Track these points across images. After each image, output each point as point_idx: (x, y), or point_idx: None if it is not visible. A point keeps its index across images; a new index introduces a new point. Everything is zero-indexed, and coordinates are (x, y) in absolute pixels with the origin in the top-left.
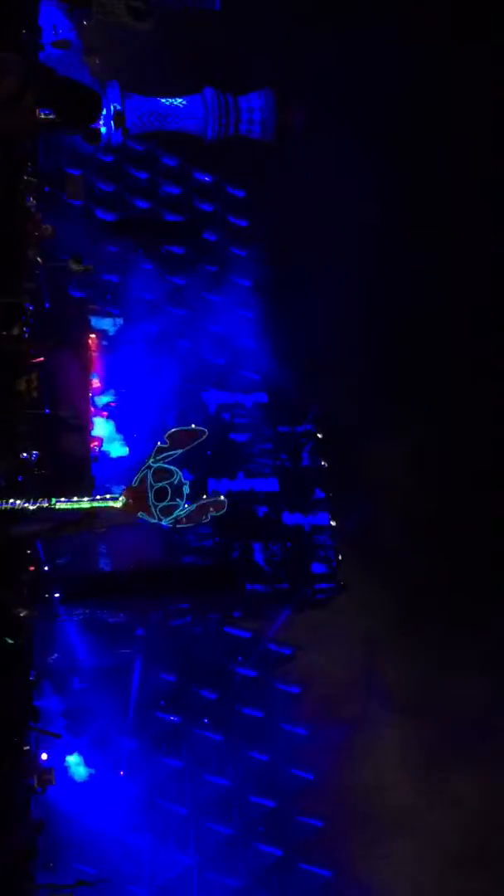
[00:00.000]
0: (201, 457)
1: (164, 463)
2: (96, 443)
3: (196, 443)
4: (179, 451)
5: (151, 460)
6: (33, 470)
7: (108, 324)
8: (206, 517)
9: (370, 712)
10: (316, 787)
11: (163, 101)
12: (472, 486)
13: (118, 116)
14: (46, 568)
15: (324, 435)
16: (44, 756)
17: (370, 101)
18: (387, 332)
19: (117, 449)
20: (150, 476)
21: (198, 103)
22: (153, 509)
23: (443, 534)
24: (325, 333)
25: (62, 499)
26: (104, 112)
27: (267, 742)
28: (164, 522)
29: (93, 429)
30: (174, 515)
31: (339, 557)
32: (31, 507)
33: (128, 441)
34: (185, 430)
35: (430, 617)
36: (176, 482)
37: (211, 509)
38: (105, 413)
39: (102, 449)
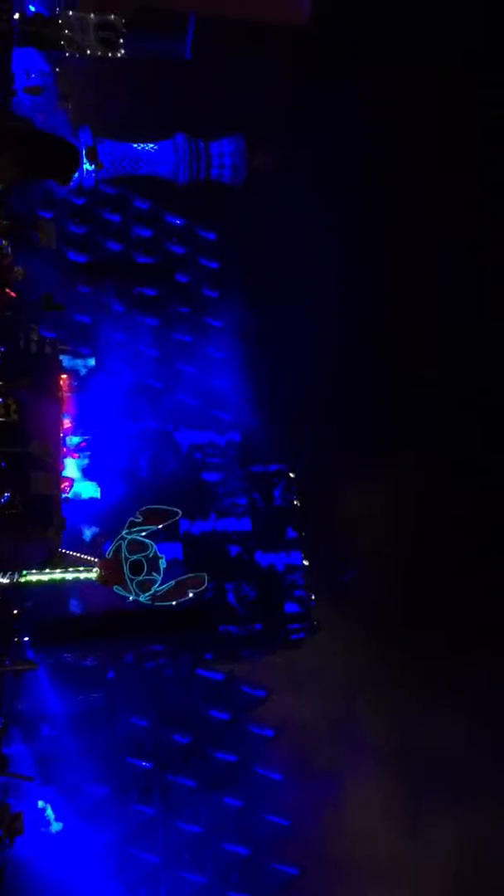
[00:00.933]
0: (174, 497)
1: (137, 535)
2: (67, 483)
3: (170, 522)
4: (152, 528)
5: (125, 532)
6: (3, 510)
7: (79, 364)
8: (188, 594)
9: (346, 756)
10: (291, 833)
11: (135, 145)
12: (450, 526)
13: (90, 151)
14: (15, 611)
15: (296, 475)
16: (11, 804)
17: (338, 146)
18: (360, 371)
19: (89, 490)
20: (124, 547)
21: (169, 148)
22: (129, 583)
23: (419, 574)
24: (297, 373)
25: (33, 571)
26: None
27: (241, 787)
28: (141, 598)
29: (64, 469)
30: (152, 591)
31: (313, 597)
32: (4, 580)
33: (100, 482)
34: (159, 510)
35: (408, 659)
36: (151, 555)
37: (190, 588)
38: (76, 454)
39: (74, 490)
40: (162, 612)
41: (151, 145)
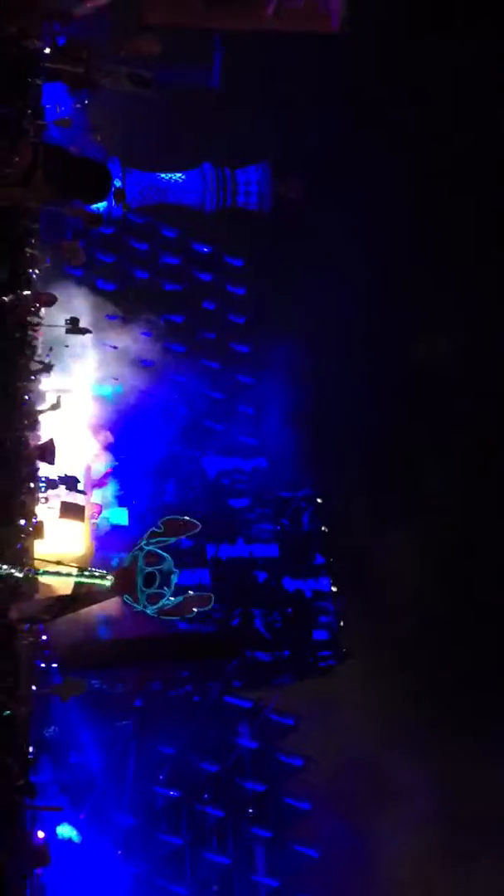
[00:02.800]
0: (201, 523)
1: (156, 547)
2: (96, 510)
3: (190, 533)
4: (172, 539)
5: (144, 542)
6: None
7: (107, 391)
8: (193, 612)
9: (377, 788)
10: (321, 864)
11: (162, 175)
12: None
13: (118, 193)
14: (44, 637)
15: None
16: (40, 834)
17: (363, 173)
18: (387, 392)
19: (117, 517)
20: (141, 559)
21: (196, 177)
22: (140, 594)
23: (454, 603)
24: (324, 399)
25: (49, 569)
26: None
27: (269, 817)
28: (148, 610)
29: (91, 496)
30: (159, 605)
31: (342, 624)
32: (18, 574)
33: (128, 508)
34: (180, 520)
35: (439, 688)
36: (165, 569)
37: (196, 605)
38: (104, 482)
39: (102, 516)
40: (190, 638)
41: (179, 175)
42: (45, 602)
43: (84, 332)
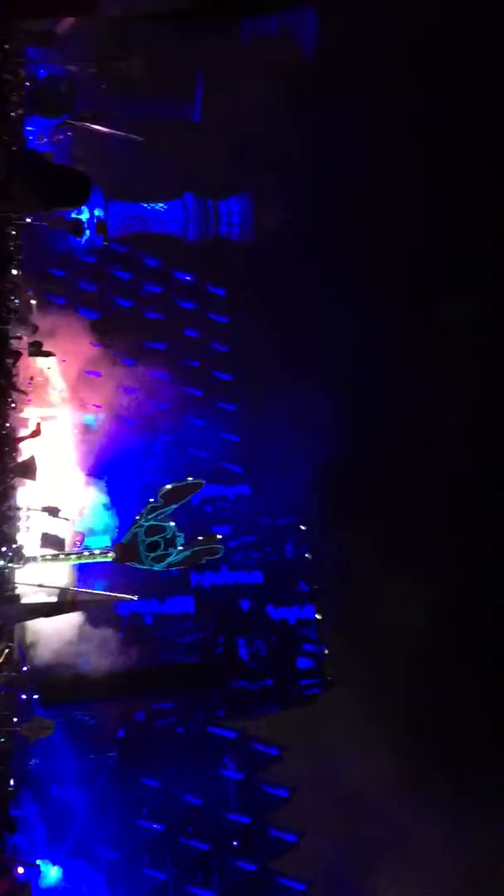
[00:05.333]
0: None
1: (156, 520)
2: (78, 538)
3: (192, 495)
4: (173, 507)
5: (143, 519)
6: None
7: (89, 419)
8: (202, 561)
9: (364, 818)
10: None
11: (145, 205)
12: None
13: (101, 225)
14: (25, 668)
15: (307, 527)
16: (20, 870)
17: (345, 204)
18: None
19: (99, 543)
20: (141, 534)
21: (178, 207)
22: (145, 559)
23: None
24: (307, 425)
25: (49, 554)
26: (90, 214)
27: (255, 850)
28: (155, 567)
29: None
30: (166, 562)
31: (326, 652)
32: (15, 566)
33: (110, 536)
34: (179, 486)
35: (427, 716)
36: (169, 535)
37: (205, 556)
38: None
39: (84, 545)
40: (173, 668)
41: (161, 204)
42: (27, 606)
43: (47, 354)
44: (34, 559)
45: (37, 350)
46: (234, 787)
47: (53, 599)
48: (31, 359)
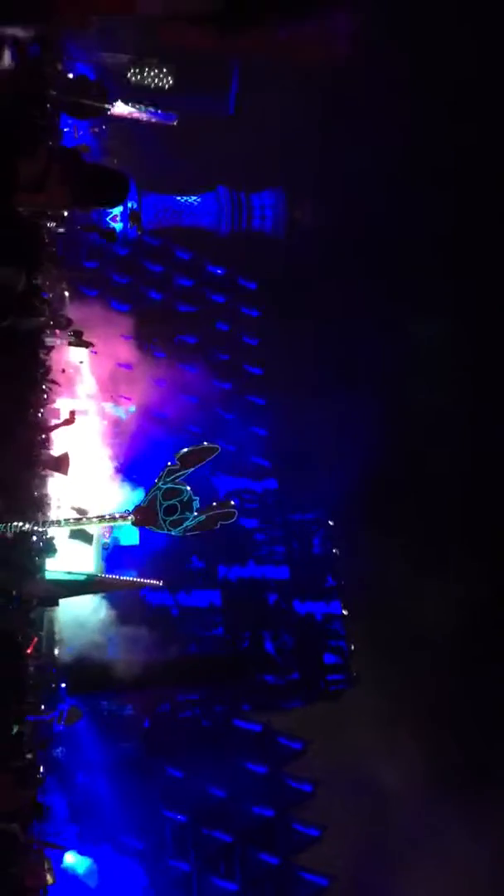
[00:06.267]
0: (211, 543)
1: (174, 483)
2: (106, 530)
3: (210, 458)
4: (190, 470)
5: (161, 482)
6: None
7: (119, 411)
8: (217, 525)
9: (389, 812)
10: (330, 893)
11: (178, 198)
12: None
13: (133, 215)
14: (53, 658)
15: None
16: (43, 856)
17: (378, 199)
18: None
19: (128, 536)
20: (159, 496)
21: (211, 200)
22: (163, 523)
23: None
24: (337, 419)
25: (71, 518)
26: (123, 206)
27: (278, 843)
28: (173, 533)
29: None
30: (183, 526)
31: (352, 647)
32: (39, 528)
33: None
34: (195, 450)
35: (452, 712)
36: (185, 499)
37: (220, 520)
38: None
39: (112, 536)
40: (198, 661)
41: (194, 198)
42: (55, 581)
43: (87, 345)
44: (57, 522)
45: (78, 340)
46: (258, 781)
47: (81, 578)
48: (63, 350)
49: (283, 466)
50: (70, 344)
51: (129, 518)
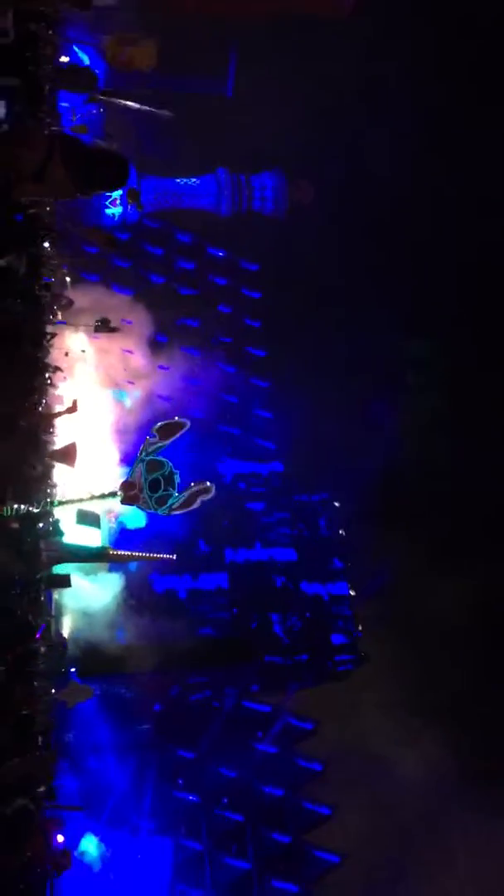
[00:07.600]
0: (218, 526)
1: (154, 455)
2: (112, 514)
3: (181, 433)
4: (167, 443)
5: (143, 454)
6: None
7: (124, 396)
8: (197, 503)
9: (397, 790)
10: (341, 870)
11: (178, 180)
12: None
13: (132, 192)
14: (62, 640)
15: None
16: (59, 838)
17: (379, 180)
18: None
19: (135, 520)
20: (143, 469)
21: (211, 182)
22: (149, 500)
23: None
24: (339, 401)
25: (65, 499)
26: (119, 190)
27: (288, 822)
28: (158, 511)
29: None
30: (168, 504)
31: (360, 628)
32: (36, 510)
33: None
34: (169, 423)
35: (460, 692)
36: (167, 473)
37: (200, 496)
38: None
39: (118, 520)
40: (207, 643)
41: (194, 179)
42: (67, 547)
43: (113, 330)
44: (51, 504)
45: (104, 326)
46: (268, 761)
47: (93, 549)
48: (66, 336)
49: (289, 448)
50: (96, 330)
51: (119, 496)
